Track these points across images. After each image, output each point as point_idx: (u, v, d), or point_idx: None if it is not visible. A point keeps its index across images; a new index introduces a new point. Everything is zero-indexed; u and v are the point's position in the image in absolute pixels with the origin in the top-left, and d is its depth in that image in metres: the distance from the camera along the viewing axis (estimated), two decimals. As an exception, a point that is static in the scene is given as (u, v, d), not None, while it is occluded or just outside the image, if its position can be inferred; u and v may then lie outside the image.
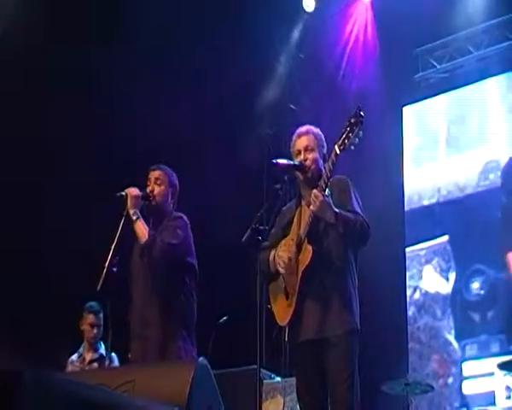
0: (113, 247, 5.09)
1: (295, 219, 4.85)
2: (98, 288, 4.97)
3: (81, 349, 7.10)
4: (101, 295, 5.09)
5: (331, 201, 4.58)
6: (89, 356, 7.02)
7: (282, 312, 4.79)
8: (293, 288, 4.71)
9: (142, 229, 5.27)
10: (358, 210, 4.74)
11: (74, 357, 7.07)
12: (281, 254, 4.79)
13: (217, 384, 3.77)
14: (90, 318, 7.01)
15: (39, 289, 7.78)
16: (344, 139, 4.50)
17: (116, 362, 6.47)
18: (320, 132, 4.97)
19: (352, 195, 4.81)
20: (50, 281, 7.77)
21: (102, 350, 6.92)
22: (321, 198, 4.52)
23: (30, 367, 2.43)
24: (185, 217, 5.45)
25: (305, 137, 4.90)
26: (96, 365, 6.91)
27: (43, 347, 7.10)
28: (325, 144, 4.92)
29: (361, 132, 4.50)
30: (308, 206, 4.67)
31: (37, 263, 7.73)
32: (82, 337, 7.12)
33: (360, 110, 4.51)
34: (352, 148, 4.52)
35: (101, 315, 6.92)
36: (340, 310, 4.66)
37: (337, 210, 4.58)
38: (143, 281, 5.33)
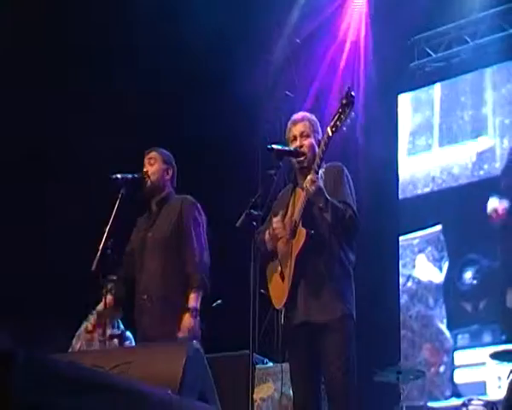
0: (107, 229, 5.11)
1: (290, 204, 4.85)
2: (93, 268, 5.01)
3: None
4: (96, 276, 5.10)
5: (323, 187, 4.59)
6: (109, 330, 6.46)
7: (278, 295, 4.79)
8: (288, 271, 4.71)
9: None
10: (350, 201, 4.71)
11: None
12: (274, 225, 4.77)
13: (209, 368, 3.77)
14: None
15: (36, 271, 7.75)
16: (336, 121, 4.52)
17: (132, 341, 6.38)
18: (315, 119, 4.98)
19: (346, 184, 4.79)
20: (47, 262, 7.75)
21: (122, 327, 6.67)
22: (316, 183, 4.53)
23: (23, 347, 2.41)
24: (198, 204, 5.50)
25: (301, 124, 4.91)
26: (116, 341, 6.49)
27: (41, 326, 7.05)
28: (320, 131, 4.92)
29: (353, 113, 4.52)
30: (302, 190, 4.67)
31: (37, 243, 7.72)
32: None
33: (350, 91, 4.53)
34: (344, 129, 4.54)
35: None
36: (333, 295, 4.64)
37: (329, 198, 4.58)
38: (151, 254, 5.36)
